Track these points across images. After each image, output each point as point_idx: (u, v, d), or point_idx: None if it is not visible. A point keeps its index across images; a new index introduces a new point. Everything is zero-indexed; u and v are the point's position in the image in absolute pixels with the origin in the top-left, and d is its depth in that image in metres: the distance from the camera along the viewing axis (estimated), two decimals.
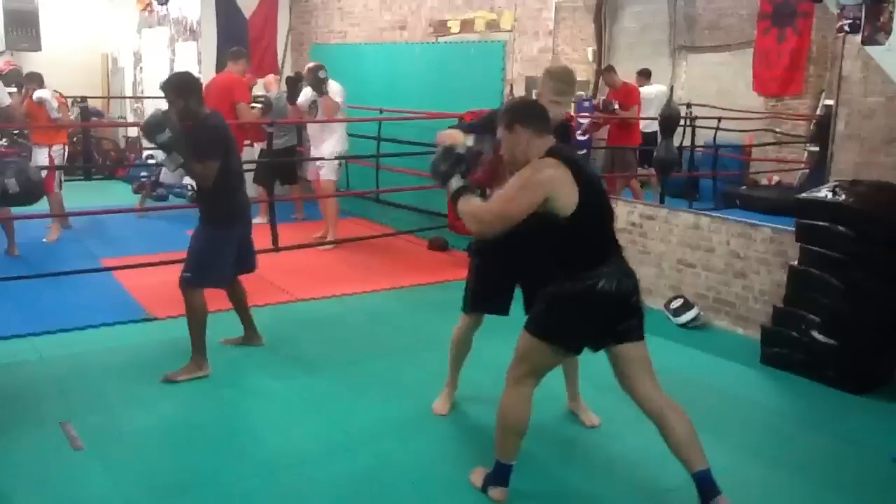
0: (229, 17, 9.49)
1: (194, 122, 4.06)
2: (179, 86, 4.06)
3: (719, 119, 6.79)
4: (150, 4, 11.37)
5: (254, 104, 7.51)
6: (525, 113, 2.88)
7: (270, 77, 8.61)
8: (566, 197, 2.72)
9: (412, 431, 3.68)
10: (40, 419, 3.69)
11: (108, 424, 3.67)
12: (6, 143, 6.84)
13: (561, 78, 3.51)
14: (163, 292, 5.15)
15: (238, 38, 9.10)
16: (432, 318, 5.25)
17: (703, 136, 6.94)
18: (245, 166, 4.80)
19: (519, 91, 6.69)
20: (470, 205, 2.84)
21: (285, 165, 7.96)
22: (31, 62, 12.40)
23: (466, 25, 7.39)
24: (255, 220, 4.90)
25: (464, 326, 3.71)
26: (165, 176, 8.43)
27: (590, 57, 6.92)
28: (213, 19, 9.44)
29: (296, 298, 5.62)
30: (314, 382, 4.21)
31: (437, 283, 6.15)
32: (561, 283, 2.84)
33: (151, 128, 3.99)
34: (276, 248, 6.26)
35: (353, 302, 5.70)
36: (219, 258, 4.18)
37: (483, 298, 3.62)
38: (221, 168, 4.03)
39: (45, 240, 7.00)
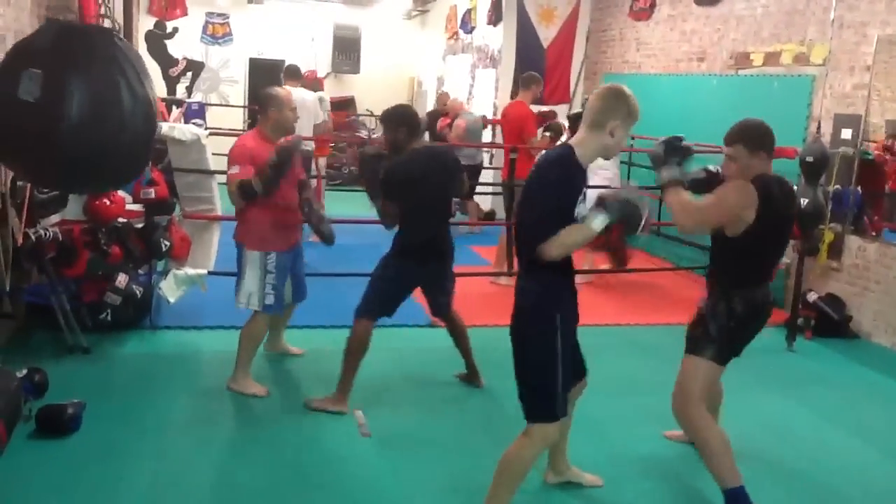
0: (528, 46, 9.88)
1: (397, 155, 4.04)
2: (393, 119, 4.09)
3: None
4: (456, 33, 12.21)
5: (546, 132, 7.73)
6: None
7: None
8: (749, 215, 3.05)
9: (681, 470, 3.61)
10: None
11: (393, 418, 4.03)
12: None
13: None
14: None
15: (535, 66, 9.43)
16: None
17: None
18: None
19: (826, 129, 6.24)
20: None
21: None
22: (350, 84, 13.91)
23: (771, 58, 7.04)
24: None
25: None
26: None
27: None
28: (513, 48, 9.90)
29: None
30: (584, 409, 4.26)
31: None
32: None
33: (369, 164, 4.01)
34: (510, 273, 6.45)
35: (623, 332, 5.67)
36: (394, 294, 4.10)
37: None
38: (407, 206, 3.98)
39: (310, 238, 7.53)
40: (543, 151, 2.87)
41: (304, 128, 6.52)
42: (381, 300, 4.10)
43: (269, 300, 4.16)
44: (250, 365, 4.27)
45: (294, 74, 7.97)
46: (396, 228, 4.15)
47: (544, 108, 8.39)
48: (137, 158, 3.02)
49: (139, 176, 3.11)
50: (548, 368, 2.74)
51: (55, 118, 2.69)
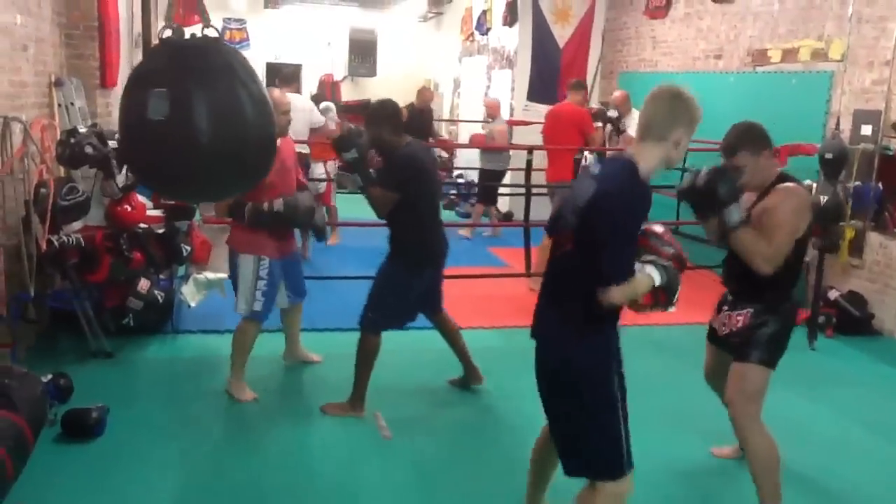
0: (544, 46, 9.88)
1: (387, 151, 3.97)
2: (372, 115, 4.00)
3: None
4: (472, 34, 12.22)
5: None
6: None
7: None
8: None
9: (698, 471, 3.60)
10: None
11: (413, 420, 4.05)
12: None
13: None
14: (464, 305, 5.49)
15: (551, 66, 9.44)
16: None
17: None
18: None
19: (846, 126, 6.19)
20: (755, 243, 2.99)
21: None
22: (367, 87, 13.96)
23: (789, 55, 7.00)
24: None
25: None
26: None
27: None
28: (528, 49, 9.89)
29: None
30: None
31: None
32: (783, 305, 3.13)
33: (342, 143, 3.88)
34: (528, 274, 6.58)
35: (638, 332, 5.65)
36: (401, 301, 4.03)
37: None
38: (408, 203, 3.87)
39: (326, 243, 7.49)
40: (604, 166, 2.55)
41: (298, 131, 6.64)
42: (391, 314, 4.04)
43: (258, 307, 4.14)
44: (244, 370, 4.24)
45: (289, 80, 8.02)
46: (397, 235, 4.03)
47: None
48: (267, 155, 3.10)
49: (269, 171, 3.20)
50: (606, 412, 2.45)
51: (189, 131, 2.76)
